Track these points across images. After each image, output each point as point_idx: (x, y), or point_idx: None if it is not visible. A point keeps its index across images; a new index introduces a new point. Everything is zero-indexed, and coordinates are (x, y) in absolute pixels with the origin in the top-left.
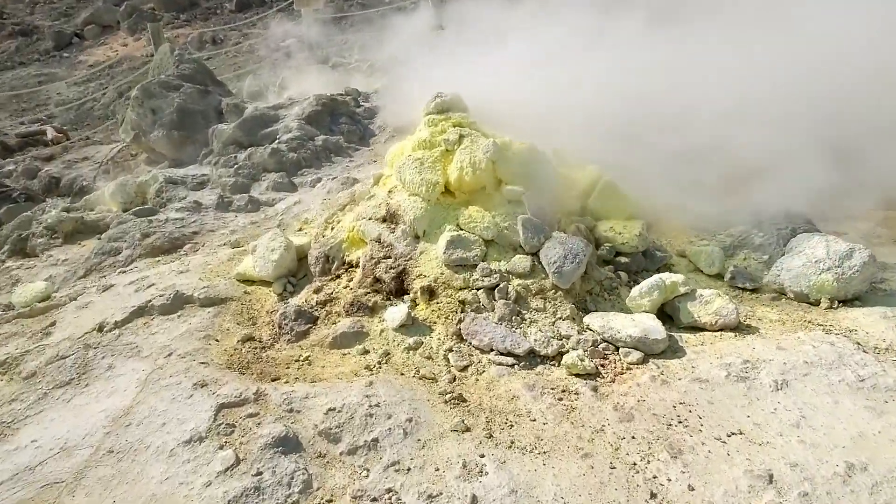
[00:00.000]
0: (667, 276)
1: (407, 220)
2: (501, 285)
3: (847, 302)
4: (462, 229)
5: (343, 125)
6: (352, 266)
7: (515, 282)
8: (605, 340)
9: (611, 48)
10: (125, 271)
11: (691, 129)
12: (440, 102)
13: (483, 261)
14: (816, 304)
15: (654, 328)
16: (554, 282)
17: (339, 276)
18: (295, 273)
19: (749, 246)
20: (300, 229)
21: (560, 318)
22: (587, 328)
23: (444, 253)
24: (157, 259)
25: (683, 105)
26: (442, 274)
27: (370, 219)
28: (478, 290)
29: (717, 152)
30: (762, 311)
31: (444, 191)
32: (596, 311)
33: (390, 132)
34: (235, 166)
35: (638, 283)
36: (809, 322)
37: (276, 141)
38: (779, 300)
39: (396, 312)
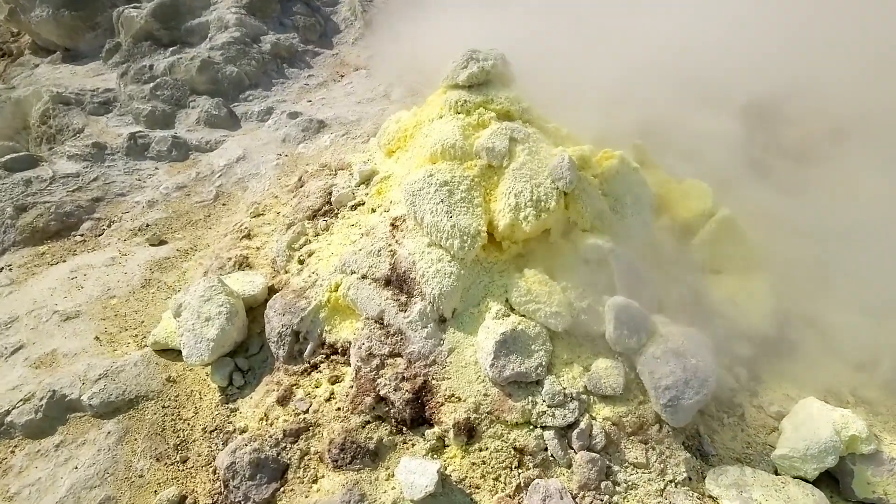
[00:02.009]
0: (841, 420)
1: (427, 294)
2: (582, 425)
3: None
4: (514, 310)
5: (298, 16)
6: (335, 352)
7: (601, 412)
8: None
9: None
10: None
11: None
12: (476, 73)
13: (549, 372)
14: None
15: None
16: (664, 417)
17: (315, 368)
18: (243, 343)
19: None
20: (242, 265)
21: (672, 483)
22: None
23: (492, 364)
24: (39, 251)
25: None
26: (486, 397)
27: (364, 276)
28: (544, 429)
29: None
30: None
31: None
32: (715, 457)
33: (359, 28)
34: (153, 83)
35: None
36: None
37: (208, 43)
38: None
39: (419, 475)
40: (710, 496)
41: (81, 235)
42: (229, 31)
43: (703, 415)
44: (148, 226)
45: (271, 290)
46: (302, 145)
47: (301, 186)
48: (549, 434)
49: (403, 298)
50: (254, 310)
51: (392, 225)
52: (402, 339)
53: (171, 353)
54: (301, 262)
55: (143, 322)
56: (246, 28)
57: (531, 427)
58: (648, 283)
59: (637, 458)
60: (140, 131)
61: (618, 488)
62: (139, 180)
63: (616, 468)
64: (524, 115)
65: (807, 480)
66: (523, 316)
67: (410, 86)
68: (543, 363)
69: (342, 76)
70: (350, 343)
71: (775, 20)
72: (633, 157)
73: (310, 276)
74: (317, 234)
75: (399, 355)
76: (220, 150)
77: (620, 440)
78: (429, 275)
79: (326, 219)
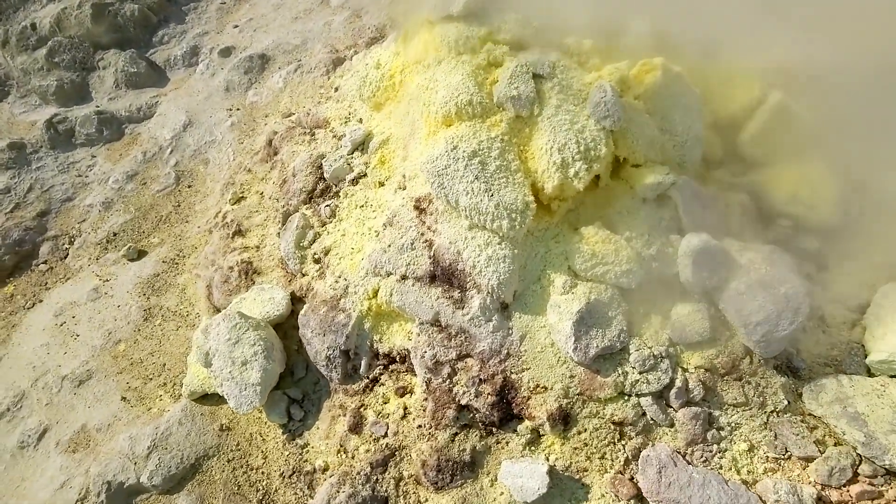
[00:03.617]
0: None
1: (484, 285)
2: (678, 383)
3: None
4: (579, 276)
5: None
6: (392, 360)
7: (692, 361)
8: (868, 461)
9: None
10: None
11: None
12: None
13: (631, 334)
14: None
15: None
16: (757, 352)
17: (376, 382)
18: (289, 365)
19: None
20: (248, 272)
21: (774, 412)
22: (824, 425)
23: (575, 347)
24: (6, 293)
25: None
26: (573, 378)
27: (404, 277)
28: (640, 396)
29: None
30: None
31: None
32: (805, 370)
33: None
34: (44, 48)
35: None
36: None
37: None
38: None
39: (527, 478)
40: (811, 415)
41: (45, 262)
42: None
43: None
44: (115, 234)
45: (292, 297)
46: (251, 92)
47: (275, 154)
48: (645, 400)
49: (457, 294)
50: (282, 325)
51: (417, 208)
52: (467, 338)
53: (211, 397)
54: (317, 260)
55: (165, 366)
56: None
57: (626, 398)
58: (712, 206)
59: (736, 398)
60: (56, 114)
61: (723, 433)
62: (80, 176)
63: (717, 413)
64: (539, 37)
65: None
66: (590, 281)
67: None
68: (624, 327)
69: None
70: (407, 350)
71: None
72: (655, 47)
73: (337, 282)
74: (323, 224)
75: (468, 356)
76: (157, 116)
77: (716, 384)
78: (480, 264)
79: (328, 201)
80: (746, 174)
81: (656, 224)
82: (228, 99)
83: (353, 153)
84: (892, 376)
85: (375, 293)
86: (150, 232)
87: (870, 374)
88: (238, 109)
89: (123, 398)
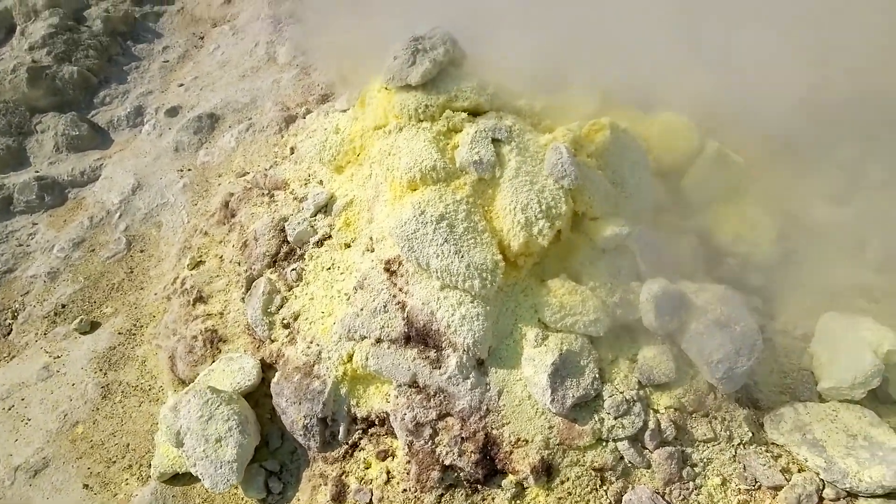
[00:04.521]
0: (874, 338)
1: (460, 344)
2: (651, 425)
3: None
4: (548, 327)
5: None
6: (371, 424)
7: (661, 401)
8: (831, 485)
9: None
10: None
11: None
12: (429, 68)
13: (602, 379)
14: None
15: None
16: (719, 388)
17: (356, 447)
18: (263, 436)
19: None
20: (213, 341)
21: (741, 444)
22: (787, 453)
23: (552, 399)
24: None
25: None
26: (552, 429)
27: (379, 340)
28: (616, 441)
29: None
30: None
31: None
32: (762, 397)
33: None
34: None
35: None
36: None
37: (23, 40)
38: None
39: None
40: (774, 444)
41: None
42: (43, 19)
43: None
44: (64, 306)
45: (262, 364)
46: (203, 152)
47: (233, 216)
48: (622, 444)
49: (433, 354)
50: (253, 394)
51: (387, 270)
52: (446, 397)
53: (182, 476)
54: (287, 325)
55: (129, 446)
56: (61, 7)
57: (604, 443)
58: (666, 250)
59: (705, 434)
60: None
61: (696, 469)
62: (21, 246)
63: (689, 450)
64: (493, 102)
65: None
66: (560, 332)
67: (295, 40)
68: (596, 375)
69: (202, 38)
70: (386, 412)
71: None
72: (600, 103)
73: (309, 348)
74: (290, 288)
75: (449, 415)
76: (103, 180)
77: (686, 422)
78: (455, 323)
79: (293, 265)
80: (692, 217)
81: (616, 272)
82: (179, 159)
83: (315, 215)
84: (841, 401)
85: (350, 357)
86: (102, 302)
87: (821, 399)
88: (190, 170)
89: (86, 486)
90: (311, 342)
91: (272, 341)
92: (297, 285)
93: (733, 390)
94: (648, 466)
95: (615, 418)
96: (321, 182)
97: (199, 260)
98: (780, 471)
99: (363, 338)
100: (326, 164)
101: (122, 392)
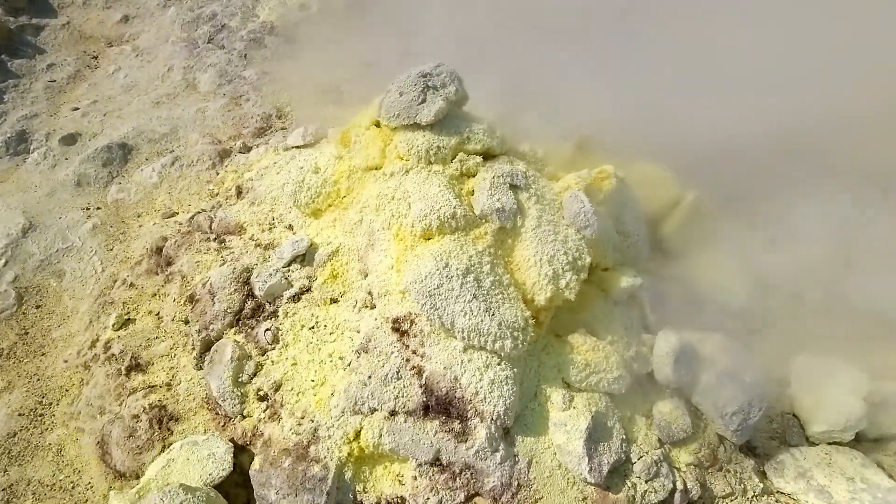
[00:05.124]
0: (855, 384)
1: (488, 412)
2: (679, 485)
3: None
4: (573, 388)
5: None
6: None
7: (681, 458)
8: None
9: None
10: None
11: None
12: (443, 108)
13: (630, 441)
14: None
15: None
16: (733, 440)
17: None
18: None
19: None
20: (162, 420)
21: (755, 497)
22: (795, 502)
23: (590, 468)
24: None
25: None
26: (585, 500)
27: (393, 412)
28: None
29: None
30: None
31: None
32: (762, 449)
33: None
34: None
35: None
36: None
37: None
38: None
39: None
40: (781, 492)
41: None
42: None
43: None
44: None
45: (235, 448)
46: (115, 188)
47: (169, 265)
48: None
49: (457, 426)
50: (222, 485)
51: (396, 331)
52: (473, 474)
53: None
54: (263, 398)
55: None
56: None
57: None
58: (668, 301)
59: (724, 490)
60: None
61: None
62: None
63: None
64: (503, 147)
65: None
66: (584, 391)
67: (218, 65)
68: (624, 436)
69: (96, 58)
70: (400, 497)
71: None
72: (580, 152)
73: (300, 425)
74: (264, 353)
75: (477, 495)
76: None
77: (705, 479)
78: (483, 389)
79: (264, 324)
80: (672, 265)
81: (628, 325)
82: (82, 195)
83: (290, 265)
84: (830, 443)
85: (358, 435)
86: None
87: (809, 442)
88: (99, 208)
89: None
90: (303, 418)
91: (244, 417)
92: (273, 348)
93: (743, 441)
94: None
95: (646, 482)
96: (290, 227)
97: (126, 318)
98: None
99: (373, 410)
100: (302, 207)
101: (34, 495)
